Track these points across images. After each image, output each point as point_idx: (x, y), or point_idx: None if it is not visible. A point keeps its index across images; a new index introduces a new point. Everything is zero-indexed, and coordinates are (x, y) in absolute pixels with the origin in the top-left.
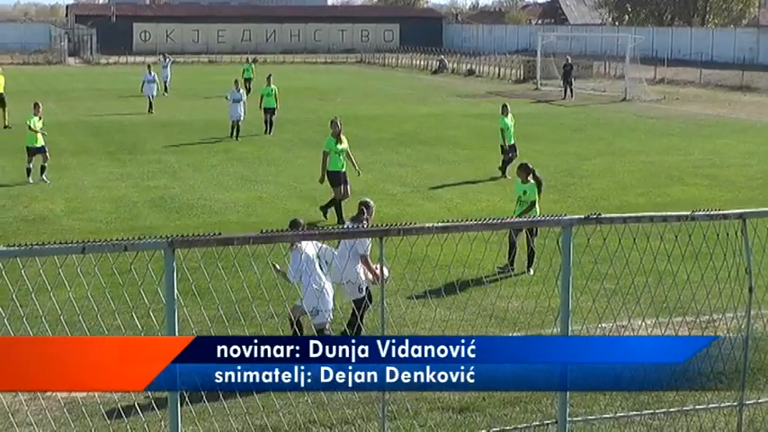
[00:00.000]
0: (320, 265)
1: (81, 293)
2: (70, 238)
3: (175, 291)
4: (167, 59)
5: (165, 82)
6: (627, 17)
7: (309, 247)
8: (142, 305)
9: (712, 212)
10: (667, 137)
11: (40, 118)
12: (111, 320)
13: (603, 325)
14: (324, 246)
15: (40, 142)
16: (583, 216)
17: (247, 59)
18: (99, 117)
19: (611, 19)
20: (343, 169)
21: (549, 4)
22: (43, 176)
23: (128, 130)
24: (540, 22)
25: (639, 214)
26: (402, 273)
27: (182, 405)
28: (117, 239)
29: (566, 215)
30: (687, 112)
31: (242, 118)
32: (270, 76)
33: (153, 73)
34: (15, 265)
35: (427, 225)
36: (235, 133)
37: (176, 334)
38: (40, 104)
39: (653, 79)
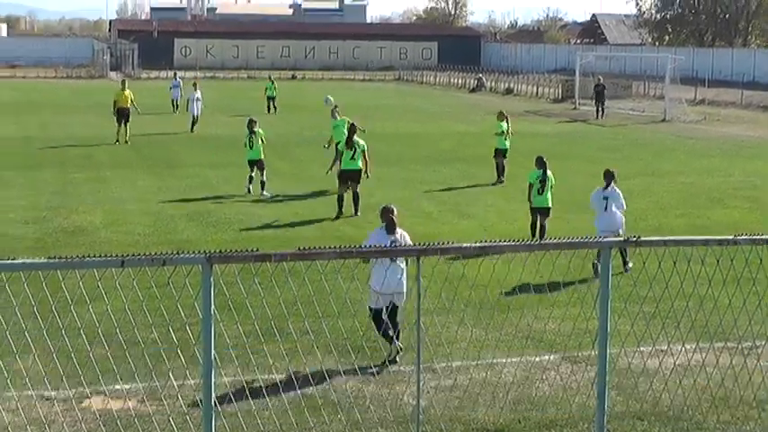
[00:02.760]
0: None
1: (119, 306)
2: (109, 250)
3: (212, 305)
4: (177, 79)
5: (176, 101)
6: (667, 37)
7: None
8: (178, 319)
9: (756, 237)
10: (707, 158)
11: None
12: (148, 333)
13: (642, 349)
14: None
15: (261, 155)
16: (622, 238)
17: (269, 77)
18: (138, 131)
19: (650, 39)
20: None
21: (588, 23)
22: (264, 191)
23: (167, 144)
24: (578, 41)
25: (680, 237)
26: (438, 292)
27: (216, 421)
28: (155, 253)
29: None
30: (728, 134)
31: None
32: (336, 107)
33: (198, 91)
34: (55, 276)
35: (465, 245)
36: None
37: (212, 349)
38: (256, 120)
39: (693, 100)
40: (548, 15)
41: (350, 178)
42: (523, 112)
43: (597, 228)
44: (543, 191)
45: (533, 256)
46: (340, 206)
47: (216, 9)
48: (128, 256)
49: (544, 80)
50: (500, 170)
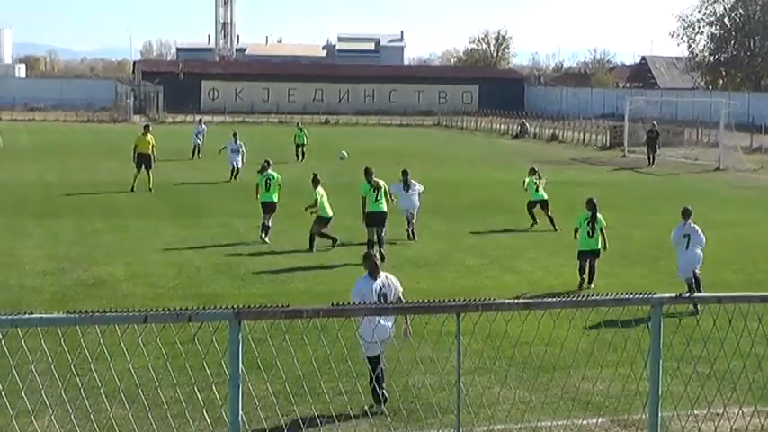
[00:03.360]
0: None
1: (141, 363)
2: (131, 304)
3: (240, 364)
4: (203, 125)
5: (198, 148)
6: (721, 81)
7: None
8: (204, 378)
9: None
10: (764, 210)
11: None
12: (172, 393)
13: (696, 412)
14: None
15: (276, 198)
16: (674, 294)
17: (298, 124)
18: (163, 178)
19: (703, 83)
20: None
21: (637, 66)
22: (262, 236)
23: (193, 191)
24: (627, 85)
25: (736, 294)
26: (480, 350)
27: None
28: (180, 308)
29: (655, 293)
30: None
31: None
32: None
33: (239, 142)
34: (74, 332)
35: (507, 301)
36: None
37: (240, 410)
38: (271, 161)
39: (749, 147)
40: (595, 57)
41: (377, 221)
42: (569, 160)
43: (679, 269)
44: (593, 233)
45: (580, 312)
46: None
47: (245, 50)
48: (151, 310)
49: (591, 126)
50: (550, 221)
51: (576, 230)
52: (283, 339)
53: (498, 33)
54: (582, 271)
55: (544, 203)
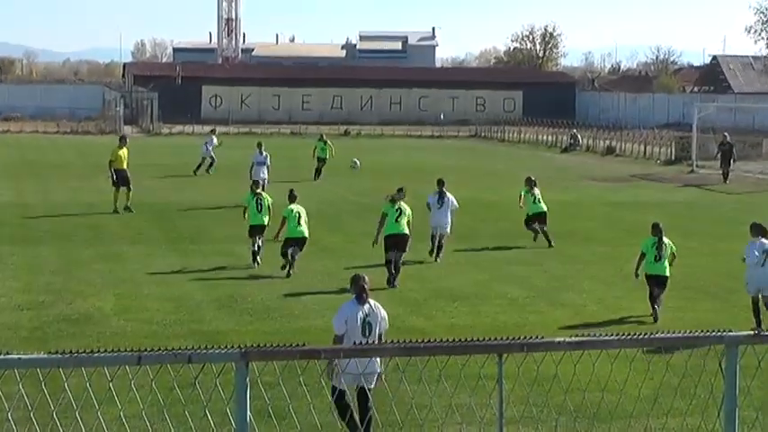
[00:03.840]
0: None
1: (134, 411)
2: (122, 343)
3: (248, 412)
4: (213, 137)
5: (206, 161)
6: None
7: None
8: (206, 428)
9: None
10: None
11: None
12: None
13: None
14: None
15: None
16: (752, 332)
17: (322, 136)
18: (159, 198)
19: None
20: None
21: (707, 68)
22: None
23: (192, 214)
24: (696, 89)
25: None
26: (525, 396)
27: None
28: (179, 348)
29: (730, 330)
30: None
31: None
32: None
33: (265, 153)
34: (57, 375)
35: (557, 340)
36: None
37: None
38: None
39: None
40: (657, 57)
41: (396, 244)
42: (628, 177)
43: (749, 284)
44: (660, 258)
45: (642, 353)
46: (390, 271)
47: (252, 50)
48: (145, 350)
49: (653, 137)
50: (545, 237)
51: (642, 257)
52: (297, 384)
53: (545, 30)
54: (652, 300)
55: (543, 217)
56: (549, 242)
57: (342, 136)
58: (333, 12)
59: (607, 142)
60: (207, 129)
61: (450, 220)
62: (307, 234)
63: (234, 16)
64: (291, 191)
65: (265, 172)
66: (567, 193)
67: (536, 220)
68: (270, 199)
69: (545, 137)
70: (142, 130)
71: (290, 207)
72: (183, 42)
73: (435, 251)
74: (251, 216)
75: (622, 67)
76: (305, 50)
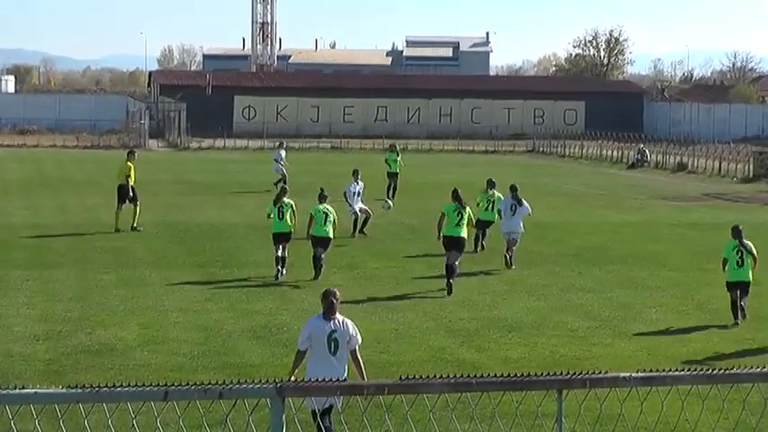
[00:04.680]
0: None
1: None
2: (146, 377)
3: None
4: (281, 151)
5: (284, 178)
6: None
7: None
8: None
9: None
10: None
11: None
12: None
13: None
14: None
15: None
16: None
17: (393, 146)
18: (187, 218)
19: None
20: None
21: None
22: (284, 270)
23: (223, 235)
24: None
25: None
26: None
27: None
28: (208, 382)
29: None
30: None
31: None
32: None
33: (359, 182)
34: (76, 411)
35: (622, 375)
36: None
37: None
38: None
39: None
40: (734, 64)
41: (453, 245)
42: (701, 196)
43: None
44: (743, 263)
45: (716, 390)
46: (448, 275)
47: (289, 57)
48: (172, 385)
49: (729, 152)
50: (476, 240)
51: (725, 262)
52: (339, 422)
53: (610, 35)
54: (735, 308)
55: (487, 226)
56: (476, 249)
57: (387, 150)
58: (377, 15)
59: (678, 158)
60: (239, 143)
61: (522, 225)
62: (332, 235)
63: (269, 20)
64: (322, 190)
65: (358, 200)
66: (635, 214)
67: (482, 227)
68: (293, 205)
69: (610, 152)
70: (169, 145)
71: (318, 206)
72: (214, 49)
73: (509, 259)
74: (274, 223)
75: (695, 75)
76: (347, 57)
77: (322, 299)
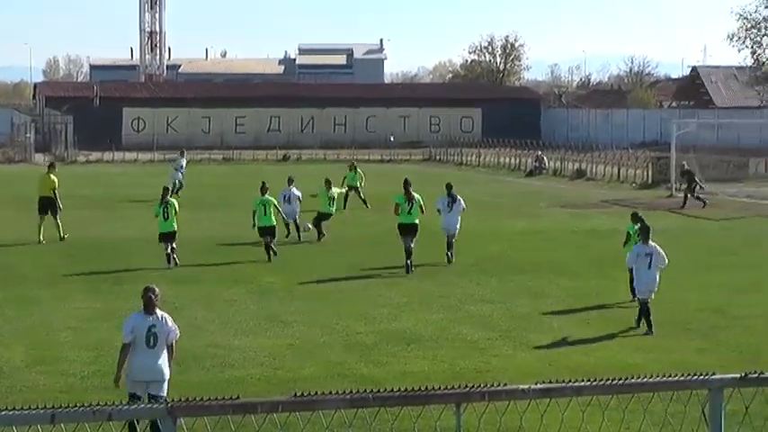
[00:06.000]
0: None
1: None
2: (34, 399)
3: None
4: (183, 160)
5: (178, 185)
6: None
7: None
8: None
9: None
10: None
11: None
12: None
13: None
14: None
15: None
16: (739, 375)
17: (353, 164)
18: (75, 234)
19: None
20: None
21: (686, 80)
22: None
23: (114, 251)
24: (674, 104)
25: None
26: None
27: None
28: (98, 403)
29: (714, 373)
30: None
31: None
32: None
33: (294, 188)
34: None
35: (522, 387)
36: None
37: None
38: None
39: None
40: (631, 69)
41: (407, 231)
42: (599, 203)
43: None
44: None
45: (617, 400)
46: (406, 257)
47: (179, 67)
48: (60, 407)
49: (628, 158)
50: (304, 229)
51: (628, 237)
52: None
53: (506, 40)
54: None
55: (326, 218)
56: (299, 235)
57: (280, 162)
58: (269, 23)
59: (576, 164)
60: (129, 156)
61: (459, 221)
62: (275, 223)
63: (158, 29)
64: (263, 183)
65: (296, 210)
66: (533, 222)
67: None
68: (176, 204)
69: (507, 159)
70: (56, 159)
71: (259, 198)
72: (101, 59)
73: (450, 255)
74: (160, 223)
75: (592, 80)
76: (238, 66)
77: (142, 295)
